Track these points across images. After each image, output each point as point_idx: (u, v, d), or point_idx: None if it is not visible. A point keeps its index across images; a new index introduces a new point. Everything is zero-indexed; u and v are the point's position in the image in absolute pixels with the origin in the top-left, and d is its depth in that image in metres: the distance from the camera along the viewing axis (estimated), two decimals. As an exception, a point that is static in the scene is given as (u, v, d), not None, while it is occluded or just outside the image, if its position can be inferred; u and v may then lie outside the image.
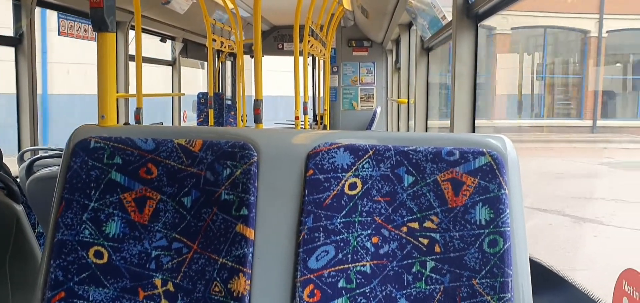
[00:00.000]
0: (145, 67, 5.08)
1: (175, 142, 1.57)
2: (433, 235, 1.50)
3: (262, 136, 1.59)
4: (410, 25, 6.05)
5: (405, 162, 1.53)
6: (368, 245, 1.50)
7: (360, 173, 1.53)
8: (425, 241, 1.50)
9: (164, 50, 7.69)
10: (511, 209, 1.48)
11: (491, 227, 1.47)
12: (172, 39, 7.29)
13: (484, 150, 1.51)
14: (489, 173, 1.49)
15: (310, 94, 10.49)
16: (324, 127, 7.99)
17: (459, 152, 1.51)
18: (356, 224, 1.51)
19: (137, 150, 1.56)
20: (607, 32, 17.37)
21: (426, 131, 4.96)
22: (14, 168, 3.12)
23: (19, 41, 3.97)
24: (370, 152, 1.54)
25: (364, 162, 1.53)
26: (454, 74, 2.79)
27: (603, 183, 9.24)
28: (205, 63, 9.25)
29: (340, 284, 1.48)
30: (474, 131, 2.85)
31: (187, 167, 1.56)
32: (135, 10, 4.70)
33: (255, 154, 1.55)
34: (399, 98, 7.22)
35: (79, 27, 5.29)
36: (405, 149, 1.53)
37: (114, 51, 1.70)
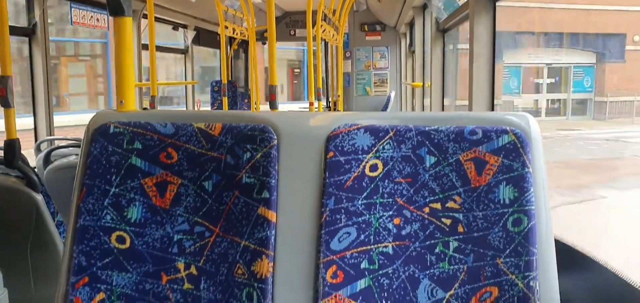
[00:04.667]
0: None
1: (194, 126, 1.57)
2: (456, 215, 1.48)
3: (281, 119, 1.58)
4: (424, 7, 5.99)
5: (427, 142, 1.51)
6: (390, 226, 1.49)
7: (381, 154, 1.51)
8: (448, 221, 1.48)
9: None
10: (535, 187, 1.46)
11: (515, 205, 1.45)
12: (185, 27, 7.29)
13: (507, 128, 1.49)
14: (513, 151, 1.47)
15: (323, 80, 10.46)
16: None
17: (481, 130, 1.49)
18: (378, 205, 1.50)
19: (156, 135, 1.56)
20: None
21: None
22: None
23: (32, 31, 3.99)
24: (391, 133, 1.52)
25: (384, 143, 1.52)
26: (471, 54, 2.75)
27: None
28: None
29: (362, 265, 1.47)
30: (492, 110, 2.82)
31: (207, 151, 1.56)
32: None
33: (275, 137, 1.54)
34: (413, 82, 7.17)
35: (92, 17, 5.30)
36: (427, 129, 1.51)
37: (131, 36, 1.70)
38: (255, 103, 6.90)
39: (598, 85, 20.34)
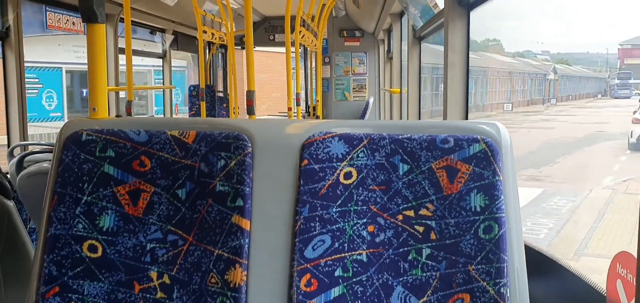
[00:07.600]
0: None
1: (168, 134, 1.56)
2: (428, 222, 1.50)
3: (256, 126, 1.58)
4: (401, 14, 6.04)
5: (400, 151, 1.52)
6: (364, 233, 1.50)
7: (355, 162, 1.52)
8: (421, 228, 1.50)
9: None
10: (506, 195, 1.48)
11: (486, 213, 1.47)
12: (162, 31, 7.25)
13: (478, 137, 1.51)
14: (484, 160, 1.49)
15: (302, 85, 10.47)
16: (317, 119, 7.96)
17: (453, 139, 1.51)
18: (352, 213, 1.51)
19: (129, 143, 1.55)
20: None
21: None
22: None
23: (5, 35, 3.93)
24: (365, 141, 1.53)
25: (359, 151, 1.53)
26: (446, 63, 2.78)
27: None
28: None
29: (336, 273, 1.47)
30: (466, 119, 2.85)
31: (181, 159, 1.55)
32: (124, 2, 4.66)
33: (250, 145, 1.54)
34: (391, 88, 7.21)
35: (67, 20, 5.24)
36: (400, 137, 1.53)
37: (104, 43, 1.68)
38: (234, 109, 6.88)
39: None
